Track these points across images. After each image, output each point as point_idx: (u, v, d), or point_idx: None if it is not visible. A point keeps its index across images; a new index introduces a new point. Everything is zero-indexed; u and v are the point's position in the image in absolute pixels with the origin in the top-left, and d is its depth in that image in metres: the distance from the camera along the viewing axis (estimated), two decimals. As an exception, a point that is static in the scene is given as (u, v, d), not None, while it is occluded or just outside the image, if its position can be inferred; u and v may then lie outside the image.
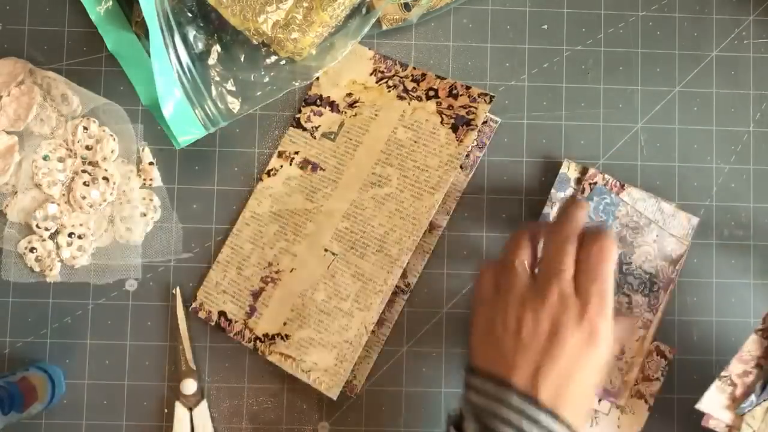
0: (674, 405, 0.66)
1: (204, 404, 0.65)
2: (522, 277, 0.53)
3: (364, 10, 0.66)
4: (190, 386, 0.65)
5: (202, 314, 0.66)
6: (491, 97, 0.64)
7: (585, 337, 0.50)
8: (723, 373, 0.60)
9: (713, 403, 0.60)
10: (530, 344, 0.50)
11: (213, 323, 0.65)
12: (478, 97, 0.65)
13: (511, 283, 0.53)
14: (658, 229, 0.63)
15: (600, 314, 0.50)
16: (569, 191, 0.66)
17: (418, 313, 0.66)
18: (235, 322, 0.65)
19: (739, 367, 0.60)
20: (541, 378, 0.48)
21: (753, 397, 0.59)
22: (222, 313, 0.65)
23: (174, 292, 0.66)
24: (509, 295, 0.53)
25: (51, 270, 0.65)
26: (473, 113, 0.64)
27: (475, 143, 0.66)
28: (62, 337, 0.66)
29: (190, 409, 0.65)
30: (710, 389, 0.60)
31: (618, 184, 0.65)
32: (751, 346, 0.60)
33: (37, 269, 0.65)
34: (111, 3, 0.67)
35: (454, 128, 0.64)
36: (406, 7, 0.67)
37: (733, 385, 0.60)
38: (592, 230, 0.53)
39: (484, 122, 0.66)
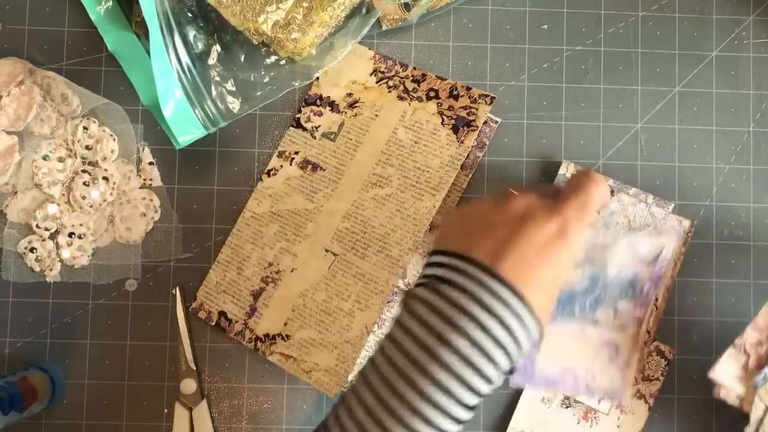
0: (674, 405, 0.66)
1: (204, 404, 0.65)
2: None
3: (364, 10, 0.66)
4: (190, 386, 0.65)
5: (202, 314, 0.66)
6: (492, 98, 0.64)
7: (554, 230, 0.47)
8: (737, 340, 0.59)
9: (726, 372, 0.59)
10: (498, 226, 0.48)
11: (213, 323, 0.65)
12: (479, 98, 0.65)
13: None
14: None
15: (575, 216, 0.48)
16: None
17: (418, 313, 0.66)
18: (236, 322, 0.65)
19: (754, 335, 0.59)
20: (503, 256, 0.46)
21: (767, 370, 0.59)
22: (222, 313, 0.65)
23: (174, 292, 0.66)
24: (489, 196, 0.52)
25: (51, 270, 0.65)
26: (474, 114, 0.64)
27: (476, 143, 0.66)
28: (62, 337, 0.66)
29: (190, 409, 0.65)
30: (723, 357, 0.59)
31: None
32: (765, 316, 0.59)
33: (37, 269, 0.65)
34: (111, 3, 0.67)
35: (455, 129, 0.64)
36: (406, 7, 0.67)
37: (747, 354, 0.59)
38: None
39: (485, 122, 0.66)
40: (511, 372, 0.47)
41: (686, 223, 0.66)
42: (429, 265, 0.48)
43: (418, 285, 0.47)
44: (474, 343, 0.43)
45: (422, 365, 0.43)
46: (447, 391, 0.43)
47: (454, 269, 0.46)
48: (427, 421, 0.43)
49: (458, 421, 0.44)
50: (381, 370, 0.45)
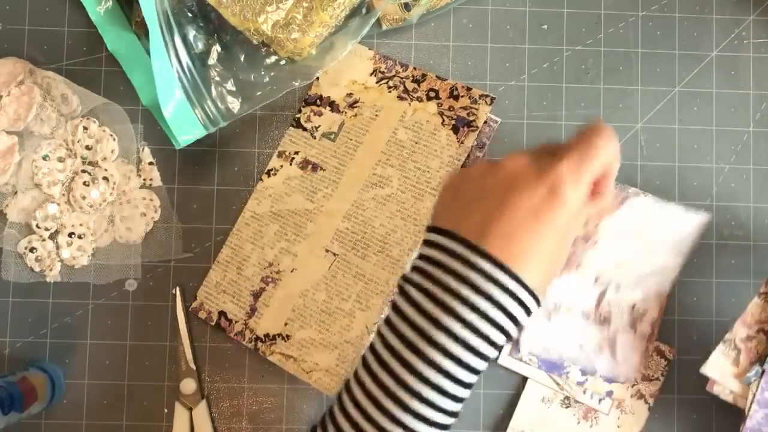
0: (674, 405, 0.66)
1: (204, 404, 0.65)
2: None
3: (364, 10, 0.66)
4: (190, 386, 0.65)
5: (202, 314, 0.66)
6: (492, 99, 0.64)
7: (544, 192, 0.44)
8: (727, 336, 0.59)
9: (717, 368, 0.59)
10: (486, 195, 0.45)
11: (213, 323, 0.65)
12: (479, 98, 0.65)
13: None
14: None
15: (569, 172, 0.44)
16: None
17: (418, 313, 0.66)
18: (236, 322, 0.65)
19: (743, 331, 0.60)
20: (489, 229, 0.43)
21: (758, 366, 0.59)
22: (222, 313, 0.65)
23: (174, 292, 0.66)
24: (484, 160, 0.49)
25: (51, 270, 0.65)
26: (474, 114, 0.64)
27: (475, 143, 0.66)
28: (62, 337, 0.66)
29: (190, 409, 0.65)
30: (714, 353, 0.59)
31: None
32: (754, 310, 0.59)
33: (37, 269, 0.65)
34: (111, 3, 0.67)
35: (455, 129, 0.64)
36: (406, 7, 0.67)
37: (737, 349, 0.60)
38: None
39: (485, 122, 0.66)
40: (514, 341, 0.46)
41: (704, 217, 0.64)
42: (423, 243, 0.46)
43: (413, 268, 0.46)
44: (467, 325, 0.42)
45: (419, 349, 0.43)
46: (444, 371, 0.43)
47: (443, 249, 0.44)
48: (426, 401, 0.43)
49: (457, 399, 0.44)
50: (380, 355, 0.44)
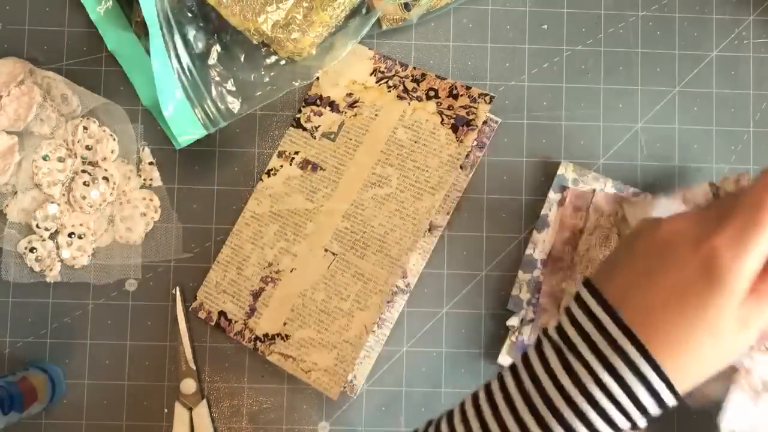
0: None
1: (204, 404, 0.65)
2: None
3: (364, 10, 0.66)
4: (190, 386, 0.65)
5: (201, 314, 0.66)
6: (491, 98, 0.64)
7: (695, 267, 0.37)
8: (736, 377, 0.54)
9: (739, 417, 0.55)
10: (634, 258, 0.39)
11: (213, 323, 0.65)
12: (479, 97, 0.65)
13: None
14: None
15: (730, 244, 0.36)
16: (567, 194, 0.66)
17: (418, 313, 0.66)
18: (235, 322, 0.65)
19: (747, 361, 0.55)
20: (629, 294, 0.38)
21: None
22: (222, 313, 0.65)
23: (174, 292, 0.66)
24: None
25: (51, 270, 0.65)
26: (473, 113, 0.64)
27: (475, 143, 0.66)
28: (62, 337, 0.66)
29: (190, 409, 0.65)
30: (730, 404, 0.54)
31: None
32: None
33: (37, 269, 0.65)
34: (111, 3, 0.67)
35: (454, 128, 0.64)
36: (406, 7, 0.67)
37: (753, 390, 0.55)
38: None
39: (484, 122, 0.66)
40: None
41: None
42: (575, 296, 0.42)
43: (558, 325, 0.41)
44: (592, 403, 0.38)
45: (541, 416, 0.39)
46: None
47: (583, 307, 0.40)
48: None
49: None
50: (503, 401, 0.41)
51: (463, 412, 0.42)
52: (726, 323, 0.37)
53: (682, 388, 0.38)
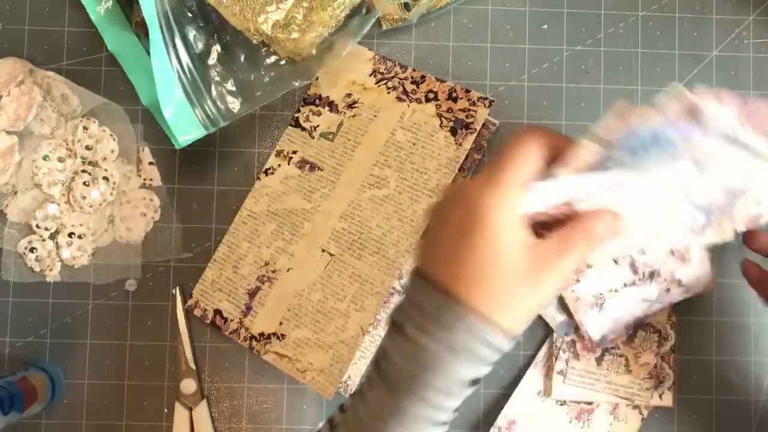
0: (674, 405, 0.66)
1: (204, 404, 0.65)
2: None
3: (364, 10, 0.66)
4: (190, 386, 0.65)
5: (197, 312, 0.66)
6: (491, 102, 0.64)
7: (466, 215, 0.41)
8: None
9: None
10: (433, 222, 0.43)
11: (208, 321, 0.65)
12: (478, 101, 0.65)
13: None
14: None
15: (485, 183, 0.40)
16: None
17: (417, 313, 0.66)
18: (231, 320, 0.65)
19: None
20: (428, 256, 0.42)
21: None
22: (218, 312, 0.65)
23: (174, 292, 0.66)
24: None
25: (51, 270, 0.65)
26: (472, 117, 0.64)
27: (474, 145, 0.66)
28: (62, 337, 0.66)
29: (190, 409, 0.65)
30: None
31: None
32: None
33: (37, 269, 0.65)
34: (111, 3, 0.67)
35: (453, 131, 0.64)
36: (406, 7, 0.67)
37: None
38: None
39: (483, 125, 0.66)
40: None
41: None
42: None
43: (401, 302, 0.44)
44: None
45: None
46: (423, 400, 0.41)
47: (411, 287, 0.43)
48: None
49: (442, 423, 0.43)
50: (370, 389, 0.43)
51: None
52: (514, 256, 0.40)
53: (513, 331, 0.41)
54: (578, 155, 0.41)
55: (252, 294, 0.65)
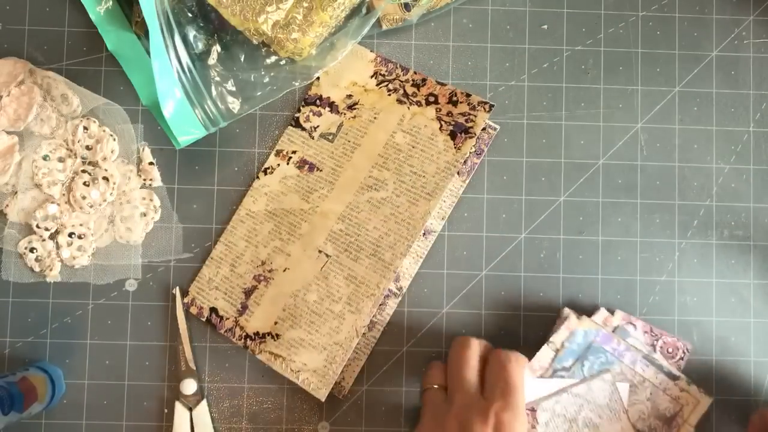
0: (674, 405, 0.66)
1: (204, 404, 0.65)
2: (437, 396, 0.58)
3: (364, 10, 0.66)
4: (190, 386, 0.65)
5: (193, 310, 0.66)
6: (491, 106, 0.64)
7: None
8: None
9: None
10: None
11: (204, 319, 0.65)
12: (478, 105, 0.65)
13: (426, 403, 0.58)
14: (652, 387, 0.63)
15: (506, 408, 0.52)
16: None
17: (418, 313, 0.66)
18: (226, 319, 0.65)
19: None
20: None
21: None
22: (213, 310, 0.65)
23: (174, 292, 0.66)
24: (425, 416, 0.58)
25: (51, 270, 0.65)
26: (472, 121, 0.64)
27: (473, 149, 0.66)
28: (62, 337, 0.66)
29: (190, 409, 0.65)
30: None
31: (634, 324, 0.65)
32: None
33: (37, 269, 0.65)
34: (111, 3, 0.67)
35: (453, 135, 0.64)
36: (406, 7, 0.67)
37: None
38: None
39: (483, 129, 0.66)
40: None
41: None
42: None
43: None
44: None
45: None
46: None
47: None
48: None
49: None
50: None
51: None
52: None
53: None
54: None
55: (248, 293, 0.65)
